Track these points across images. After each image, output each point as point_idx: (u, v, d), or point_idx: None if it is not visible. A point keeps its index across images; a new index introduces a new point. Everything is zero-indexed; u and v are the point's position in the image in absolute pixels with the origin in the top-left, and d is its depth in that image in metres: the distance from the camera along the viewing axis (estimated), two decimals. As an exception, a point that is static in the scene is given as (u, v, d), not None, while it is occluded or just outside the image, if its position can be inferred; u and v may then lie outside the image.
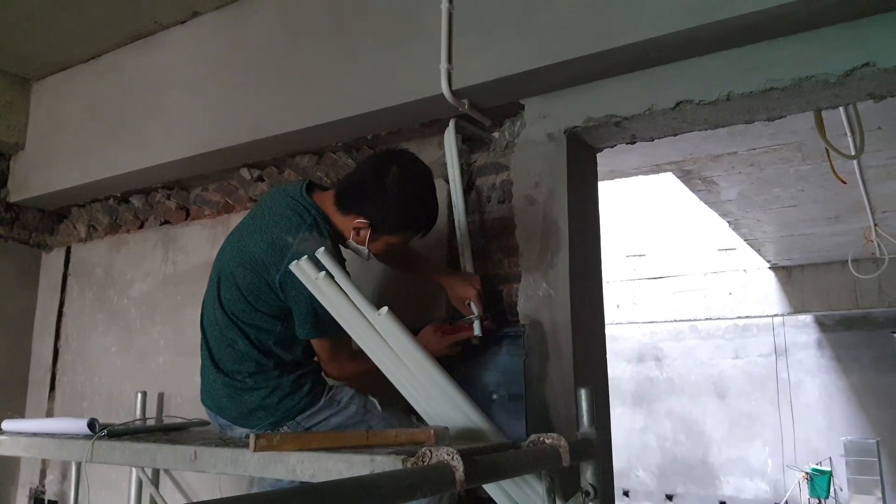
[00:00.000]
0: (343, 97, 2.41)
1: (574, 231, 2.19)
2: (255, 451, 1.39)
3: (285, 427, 1.81)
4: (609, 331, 8.78)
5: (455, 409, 1.64)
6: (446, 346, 2.00)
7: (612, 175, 5.03)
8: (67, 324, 3.33)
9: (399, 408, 1.95)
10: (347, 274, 1.67)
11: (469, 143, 2.44)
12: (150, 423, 2.56)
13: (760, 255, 7.48)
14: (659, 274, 8.89)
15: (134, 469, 2.60)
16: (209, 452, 1.57)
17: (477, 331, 2.08)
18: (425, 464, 1.25)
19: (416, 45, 2.29)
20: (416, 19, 2.30)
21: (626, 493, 10.22)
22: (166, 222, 3.16)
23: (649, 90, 2.09)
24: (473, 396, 2.22)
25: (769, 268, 8.05)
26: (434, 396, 1.63)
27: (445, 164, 2.36)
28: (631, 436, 10.29)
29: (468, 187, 2.40)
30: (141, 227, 3.24)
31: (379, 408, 1.91)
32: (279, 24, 2.64)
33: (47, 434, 1.95)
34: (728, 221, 6.09)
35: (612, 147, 2.44)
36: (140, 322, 3.04)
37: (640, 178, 5.41)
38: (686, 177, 5.01)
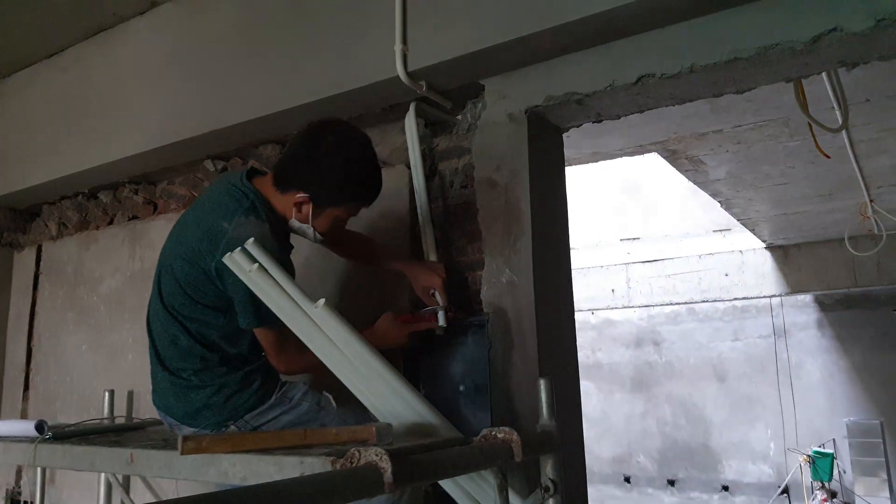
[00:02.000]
0: (302, 82, 2.34)
1: (538, 215, 2.11)
2: (182, 453, 1.33)
3: (233, 426, 1.74)
4: (605, 315, 8.71)
5: (403, 405, 1.58)
6: (405, 336, 1.93)
7: (596, 157, 4.95)
8: (40, 323, 3.28)
9: (357, 404, 1.89)
10: (286, 264, 1.62)
11: (433, 128, 2.37)
12: (119, 421, 2.50)
13: (755, 234, 7.39)
14: (653, 257, 8.81)
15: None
16: (145, 455, 1.51)
17: (441, 321, 2.01)
18: (353, 465, 1.18)
19: (373, 26, 2.21)
20: (373, 1, 2.23)
21: (627, 479, 10.19)
22: (134, 217, 3.10)
23: (610, 65, 2.01)
24: (439, 388, 2.19)
25: (765, 248, 7.96)
26: (380, 391, 1.57)
27: (407, 150, 2.28)
28: (631, 421, 10.25)
29: (431, 172, 2.32)
30: (110, 223, 3.18)
31: (334, 404, 1.84)
32: (237, 11, 2.56)
33: (-6, 437, 1.89)
34: (719, 201, 6.00)
35: (577, 126, 2.37)
36: (110, 320, 2.99)
37: (627, 159, 5.35)
38: (672, 157, 4.92)
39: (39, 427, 1.87)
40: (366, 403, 1.64)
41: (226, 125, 2.51)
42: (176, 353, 1.75)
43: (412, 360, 2.23)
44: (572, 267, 2.39)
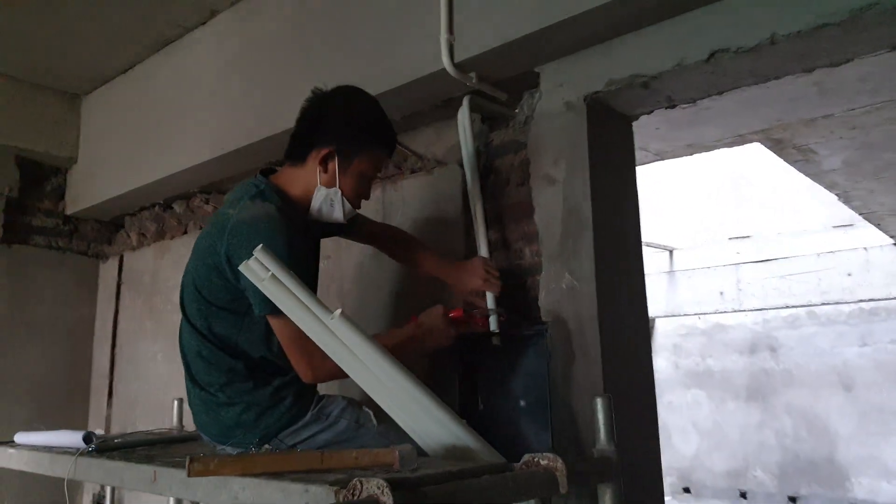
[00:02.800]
0: (348, 81, 2.23)
1: (601, 212, 1.91)
2: (189, 475, 1.24)
3: (268, 446, 1.65)
4: (715, 320, 8.20)
5: (436, 425, 1.43)
6: (452, 336, 1.75)
7: (691, 150, 4.60)
8: (121, 332, 3.37)
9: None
10: (303, 259, 1.59)
11: (490, 123, 2.22)
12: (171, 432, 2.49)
13: (881, 230, 6.70)
14: (766, 256, 8.19)
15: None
16: (167, 474, 1.43)
17: (493, 326, 1.85)
18: (354, 497, 1.05)
19: (417, 17, 2.08)
20: (415, -10, 2.10)
21: (743, 495, 9.53)
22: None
23: (678, 42, 1.79)
24: (499, 403, 2.03)
25: (894, 244, 7.22)
26: (411, 410, 1.42)
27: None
28: (746, 432, 9.58)
29: (486, 170, 2.17)
30: (184, 232, 3.21)
31: (374, 421, 1.71)
32: (287, 13, 2.51)
33: (45, 448, 1.89)
34: (836, 194, 5.46)
35: (648, 113, 2.15)
36: (182, 329, 3.01)
37: (730, 151, 4.97)
38: (777, 147, 4.51)
39: (87, 438, 1.85)
40: (399, 422, 1.49)
41: (280, 130, 2.45)
42: (203, 367, 1.68)
43: (470, 371, 2.09)
44: (675, 269, 2.17)
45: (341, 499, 1.08)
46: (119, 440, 1.92)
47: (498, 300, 2.02)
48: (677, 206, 10.22)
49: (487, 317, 1.86)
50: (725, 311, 8.81)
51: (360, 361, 1.39)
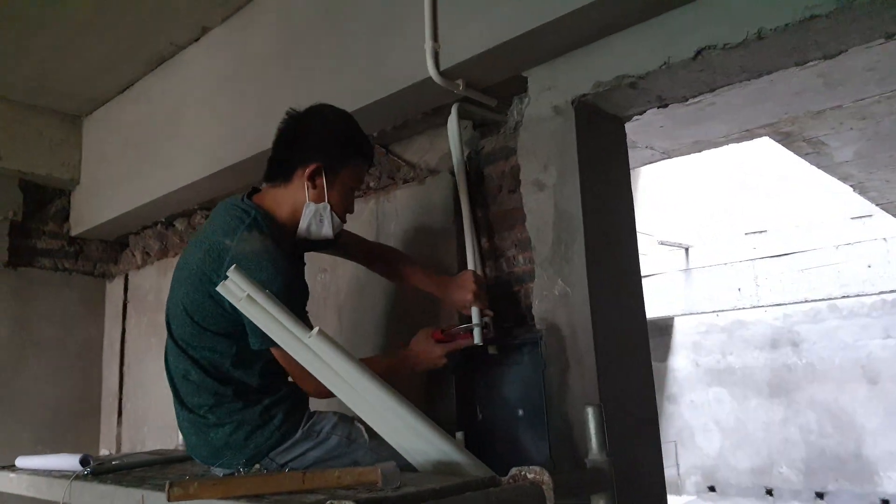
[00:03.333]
0: (338, 94, 2.22)
1: (592, 217, 1.88)
2: (169, 500, 1.22)
3: (258, 466, 1.63)
4: (733, 316, 8.09)
5: (422, 441, 1.40)
6: (441, 357, 1.78)
7: (698, 146, 4.54)
8: (129, 350, 3.38)
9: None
10: (294, 283, 1.56)
11: (482, 129, 2.19)
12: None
13: (900, 220, 6.58)
14: (784, 250, 8.06)
15: None
16: (154, 498, 1.42)
17: (477, 339, 1.83)
18: (325, 519, 1.03)
19: (402, 28, 2.06)
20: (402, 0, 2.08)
21: (769, 492, 9.39)
22: (207, 243, 3.11)
23: (664, 40, 1.75)
24: (497, 413, 2.00)
25: (915, 234, 7.08)
26: (397, 427, 1.40)
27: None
28: (770, 429, 9.45)
29: (478, 177, 2.14)
30: (187, 249, 3.22)
31: (366, 436, 1.69)
32: (277, 28, 2.51)
33: (45, 472, 1.89)
34: (851, 186, 5.37)
35: (640, 114, 2.10)
36: (187, 346, 3.01)
37: (740, 146, 4.91)
38: (787, 140, 4.43)
39: (84, 461, 1.85)
40: (386, 439, 1.47)
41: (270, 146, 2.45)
42: (190, 389, 1.67)
43: (467, 380, 2.06)
44: (691, 266, 2.12)
45: (317, 522, 1.06)
46: (117, 462, 1.92)
47: (493, 309, 2.00)
48: (691, 203, 10.12)
49: (471, 332, 1.84)
50: (744, 308, 8.69)
51: (343, 380, 1.37)
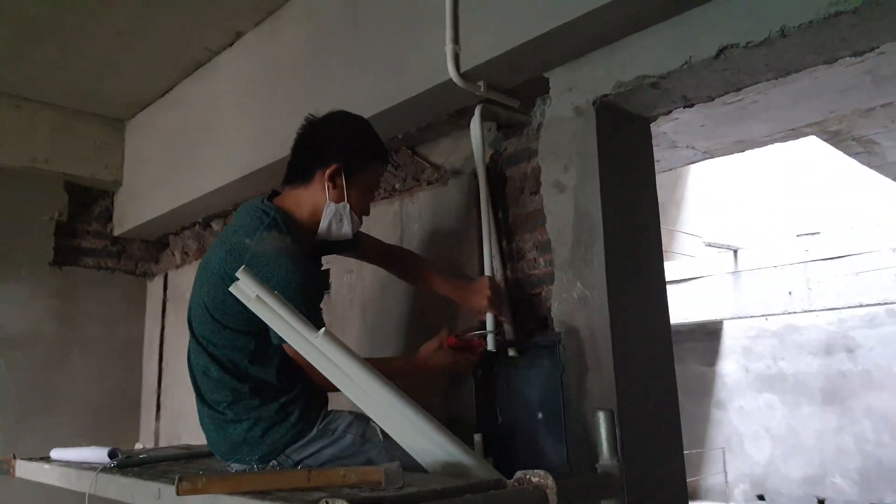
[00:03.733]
0: (362, 97, 2.25)
1: (613, 219, 1.85)
2: (178, 494, 1.25)
3: (273, 462, 1.66)
4: (785, 321, 7.84)
5: (428, 441, 1.40)
6: (451, 364, 1.82)
7: (741, 146, 4.42)
8: (167, 347, 3.47)
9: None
10: (309, 283, 1.60)
11: (507, 130, 2.18)
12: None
13: (960, 222, 6.30)
14: (837, 253, 7.80)
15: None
16: (169, 491, 1.46)
17: (490, 346, 1.83)
18: (321, 518, 1.04)
19: (424, 30, 2.07)
20: (423, 3, 2.09)
21: (821, 503, 9.10)
22: (242, 244, 3.18)
23: (685, 39, 1.72)
24: (516, 416, 1.99)
25: (975, 236, 6.77)
26: (404, 428, 1.41)
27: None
28: (823, 438, 9.15)
29: (501, 179, 2.14)
30: (223, 250, 3.29)
31: (380, 436, 1.69)
32: (306, 32, 2.55)
33: (76, 463, 1.96)
34: (905, 187, 5.17)
35: (666, 114, 2.07)
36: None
37: (791, 145, 4.77)
38: (835, 139, 4.29)
39: (112, 454, 1.91)
40: (395, 439, 1.48)
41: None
42: (210, 386, 1.71)
43: (487, 383, 2.05)
44: (740, 269, 2.08)
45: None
46: (144, 456, 1.97)
47: (514, 312, 1.99)
48: (740, 204, 9.88)
49: (485, 338, 1.84)
50: (794, 312, 8.44)
51: (351, 381, 1.38)
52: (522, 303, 2.01)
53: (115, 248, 3.59)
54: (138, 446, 2.46)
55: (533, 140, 2.06)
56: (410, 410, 1.37)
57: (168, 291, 3.56)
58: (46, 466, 2.06)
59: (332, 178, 1.76)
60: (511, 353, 1.97)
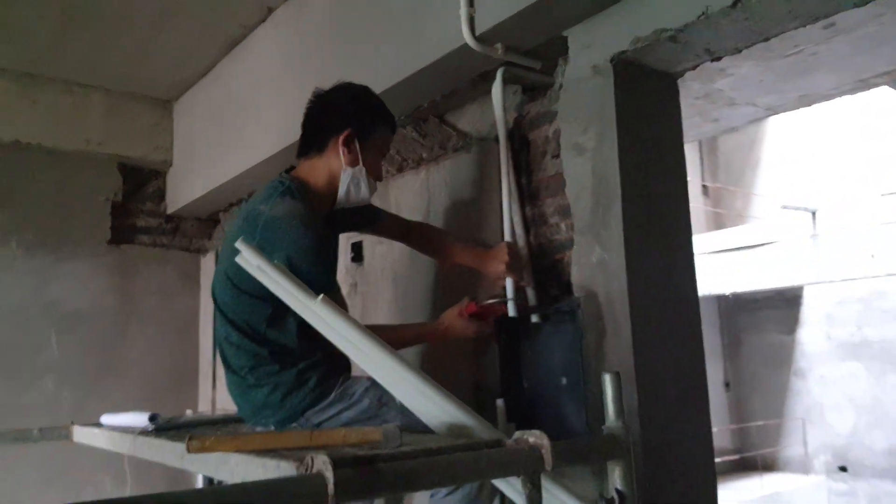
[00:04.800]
0: (382, 66, 2.26)
1: (632, 181, 1.81)
2: (189, 452, 1.31)
3: (294, 425, 1.71)
4: (871, 286, 7.48)
5: (431, 403, 1.42)
6: (473, 331, 1.86)
7: (805, 101, 4.19)
8: (221, 320, 3.59)
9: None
10: (324, 249, 1.68)
11: (532, 93, 2.15)
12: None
13: None
14: (925, 212, 7.36)
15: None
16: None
17: (511, 312, 1.83)
18: (307, 472, 1.07)
19: (439, -7, 2.05)
20: (440, -35, 2.06)
21: (913, 476, 8.71)
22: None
23: (701, -11, 1.64)
24: (540, 381, 1.98)
25: None
26: (406, 390, 1.42)
27: (498, 122, 2.09)
28: (920, 409, 8.72)
29: (523, 143, 2.10)
30: (269, 224, 3.37)
31: (398, 400, 1.72)
32: (330, 3, 2.55)
33: (118, 428, 2.07)
34: None
35: (692, 69, 1.99)
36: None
37: (869, 96, 4.52)
38: (907, 91, 4.03)
39: (152, 418, 2.01)
40: (402, 402, 1.50)
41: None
42: (232, 352, 1.77)
43: (511, 349, 2.05)
44: (819, 232, 1.99)
45: (299, 472, 1.11)
46: (183, 420, 2.07)
47: (537, 278, 1.98)
48: (819, 164, 9.41)
49: (505, 304, 1.84)
50: (878, 276, 8.03)
51: (353, 346, 1.41)
52: (545, 269, 1.99)
53: (169, 225, 3.74)
54: (188, 413, 2.57)
55: (554, 102, 2.02)
56: (411, 374, 1.39)
57: (220, 266, 3.68)
58: (97, 431, 2.18)
59: (346, 143, 1.82)
60: (534, 319, 1.96)
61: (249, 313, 1.73)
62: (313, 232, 1.69)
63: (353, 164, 1.83)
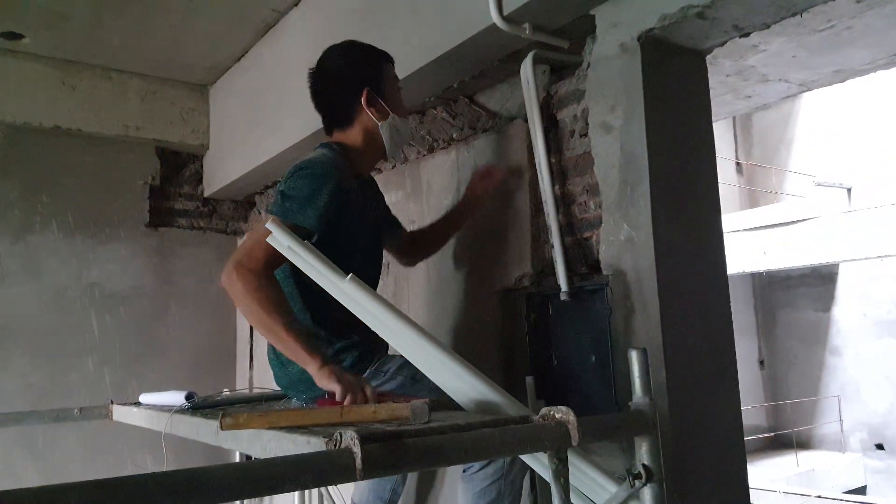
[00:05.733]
0: (413, 47, 2.27)
1: (659, 158, 1.81)
2: (222, 429, 1.36)
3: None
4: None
5: (460, 381, 1.45)
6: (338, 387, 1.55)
7: (840, 76, 4.11)
8: (257, 301, 3.67)
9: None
10: (354, 212, 1.75)
11: (561, 72, 2.15)
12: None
13: None
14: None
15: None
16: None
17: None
18: (336, 447, 1.11)
19: (466, -27, 2.05)
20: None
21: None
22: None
23: (728, -36, 1.63)
24: (570, 359, 2.01)
25: None
26: (436, 368, 1.46)
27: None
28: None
29: (552, 122, 2.11)
30: (302, 206, 3.43)
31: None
32: (360, -16, 2.57)
33: (158, 406, 2.14)
34: None
35: (721, 45, 1.97)
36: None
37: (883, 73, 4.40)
38: (946, 63, 3.93)
39: (189, 397, 2.08)
40: (432, 379, 1.54)
41: (361, 101, 2.54)
42: None
43: (542, 326, 2.08)
44: (854, 208, 1.96)
45: (328, 448, 1.15)
46: (220, 398, 2.14)
47: (566, 257, 1.99)
48: (853, 141, 9.20)
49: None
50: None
51: (380, 321, 1.45)
52: (574, 246, 2.00)
53: (205, 208, 3.82)
54: (225, 392, 2.65)
55: (582, 81, 2.02)
56: (441, 352, 1.42)
57: (255, 248, 3.75)
58: (135, 410, 2.26)
59: (370, 103, 1.88)
60: (563, 297, 1.98)
61: (284, 283, 1.75)
62: (331, 179, 1.70)
63: (384, 116, 1.89)
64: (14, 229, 3.30)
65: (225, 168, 3.60)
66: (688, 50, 1.95)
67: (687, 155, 1.90)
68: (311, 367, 1.56)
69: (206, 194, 3.79)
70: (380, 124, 1.88)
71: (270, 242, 1.50)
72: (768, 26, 1.85)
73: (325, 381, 1.53)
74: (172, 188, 3.72)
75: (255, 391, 2.50)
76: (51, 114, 3.33)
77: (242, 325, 3.80)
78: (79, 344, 3.41)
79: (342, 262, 1.51)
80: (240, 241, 3.93)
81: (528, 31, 1.97)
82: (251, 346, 3.68)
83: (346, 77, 1.90)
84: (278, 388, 2.01)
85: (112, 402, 2.42)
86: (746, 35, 1.89)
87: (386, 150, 1.93)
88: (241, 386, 3.68)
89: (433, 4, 2.19)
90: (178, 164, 3.75)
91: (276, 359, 1.86)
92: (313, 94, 1.96)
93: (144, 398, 2.30)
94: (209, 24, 3.09)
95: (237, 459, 2.63)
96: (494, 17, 1.92)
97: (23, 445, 3.20)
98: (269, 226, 1.48)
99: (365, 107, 1.87)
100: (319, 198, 1.65)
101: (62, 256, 3.40)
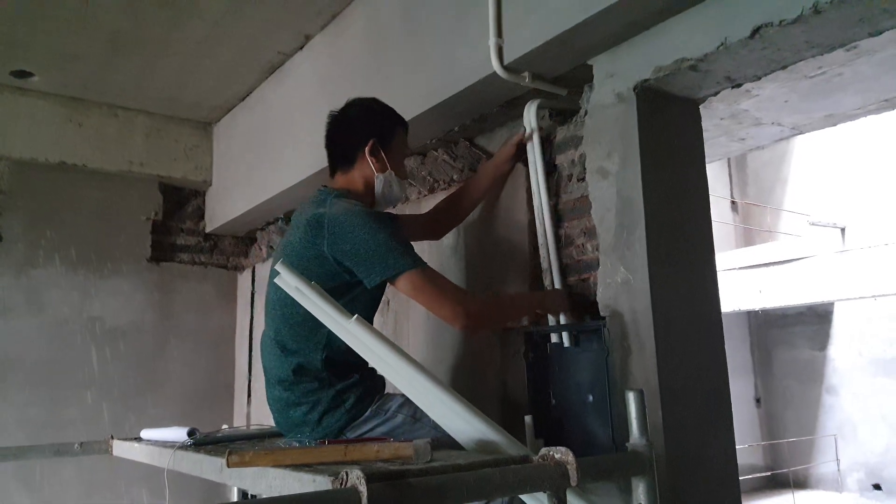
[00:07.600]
0: (416, 92, 2.34)
1: (655, 203, 1.86)
2: (228, 466, 1.39)
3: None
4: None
5: (461, 420, 1.48)
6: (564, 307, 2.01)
7: (831, 120, 4.21)
8: (256, 336, 3.70)
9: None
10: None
11: (561, 118, 2.22)
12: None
13: None
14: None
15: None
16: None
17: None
18: (342, 486, 1.14)
19: (470, 25, 2.14)
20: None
21: (943, 495, 8.53)
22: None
23: (720, 21, 1.71)
24: (568, 399, 2.04)
25: None
26: (437, 408, 1.49)
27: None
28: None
29: (550, 166, 2.17)
30: (304, 243, 3.48)
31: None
32: (366, 34, 2.66)
33: (157, 442, 2.16)
34: None
35: (714, 95, 2.04)
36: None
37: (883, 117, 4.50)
38: (933, 109, 4.02)
39: (191, 433, 2.09)
40: (432, 418, 1.57)
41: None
42: (275, 364, 1.85)
43: (540, 366, 2.11)
44: (848, 248, 2.00)
45: (335, 487, 1.18)
46: (221, 435, 2.15)
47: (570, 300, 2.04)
48: (847, 181, 9.33)
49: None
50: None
51: (384, 361, 1.48)
52: (572, 288, 2.05)
53: (207, 244, 3.87)
54: (224, 428, 2.66)
55: (579, 127, 2.09)
56: (442, 392, 1.46)
57: (255, 283, 3.80)
58: (136, 445, 2.27)
59: (373, 153, 1.97)
60: (562, 337, 2.02)
61: (291, 333, 1.80)
62: (381, 219, 1.81)
63: (383, 169, 1.98)
64: (18, 263, 3.33)
65: (227, 204, 3.66)
66: (682, 99, 2.02)
67: (681, 199, 1.96)
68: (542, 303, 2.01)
69: (207, 230, 3.84)
70: (377, 175, 1.97)
71: (279, 283, 1.54)
72: (758, 78, 1.92)
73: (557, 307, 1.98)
74: (174, 223, 3.77)
75: (253, 427, 2.51)
76: (57, 149, 3.40)
77: (241, 360, 3.82)
78: (78, 378, 3.42)
79: (348, 303, 1.56)
80: (240, 277, 3.97)
81: (527, 80, 2.05)
82: (249, 381, 3.69)
83: (359, 124, 2.01)
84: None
85: (112, 437, 2.43)
86: (738, 86, 1.97)
87: (375, 201, 2.00)
88: (239, 422, 3.68)
89: (437, 52, 2.27)
90: (181, 200, 3.81)
91: (276, 403, 1.89)
92: (327, 133, 2.07)
93: (146, 434, 2.31)
94: (216, 65, 3.17)
95: (235, 496, 2.63)
96: (495, 67, 2.00)
97: (20, 479, 3.20)
98: (279, 267, 1.53)
99: (367, 154, 1.96)
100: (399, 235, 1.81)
101: (64, 290, 3.43)
